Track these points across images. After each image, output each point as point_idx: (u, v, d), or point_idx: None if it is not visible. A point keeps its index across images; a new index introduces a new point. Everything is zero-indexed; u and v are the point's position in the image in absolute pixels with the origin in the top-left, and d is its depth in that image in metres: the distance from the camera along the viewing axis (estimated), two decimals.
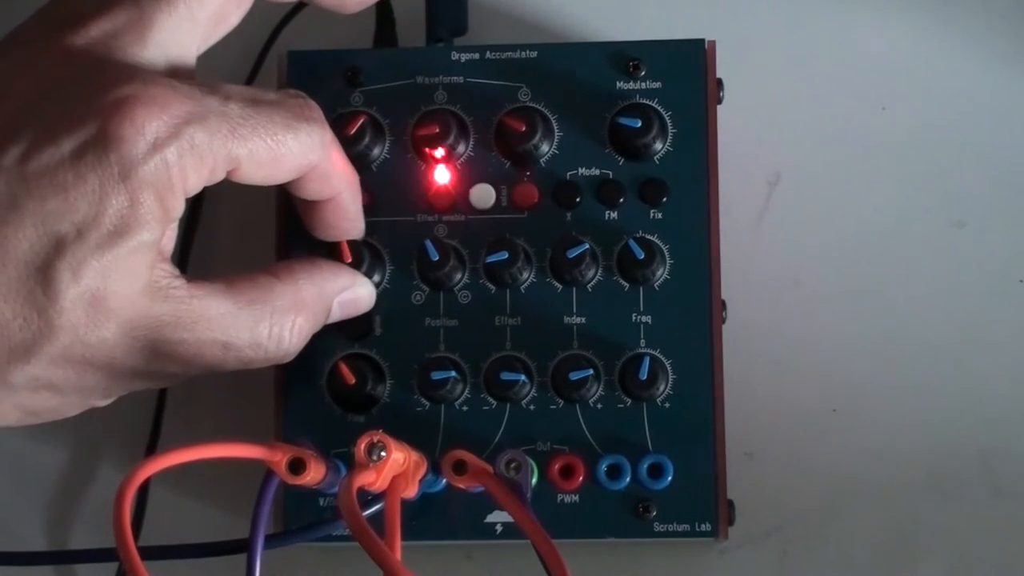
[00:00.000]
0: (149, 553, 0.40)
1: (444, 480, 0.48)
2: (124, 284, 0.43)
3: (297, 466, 0.44)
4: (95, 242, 0.42)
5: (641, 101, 0.52)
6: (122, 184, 0.42)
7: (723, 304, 0.51)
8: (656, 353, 0.50)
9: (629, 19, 0.55)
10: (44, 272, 0.42)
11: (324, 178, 0.48)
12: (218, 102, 0.44)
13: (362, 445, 0.43)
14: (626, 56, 0.52)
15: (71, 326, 0.42)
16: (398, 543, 0.42)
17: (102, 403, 0.46)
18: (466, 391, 0.51)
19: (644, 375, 0.50)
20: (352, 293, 0.50)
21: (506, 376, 0.50)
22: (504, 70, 0.52)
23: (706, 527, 0.50)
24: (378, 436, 0.43)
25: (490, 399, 0.51)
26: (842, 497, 0.52)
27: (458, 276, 0.51)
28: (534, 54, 0.52)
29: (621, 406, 0.50)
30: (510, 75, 0.52)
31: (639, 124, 0.51)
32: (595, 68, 0.52)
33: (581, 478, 0.50)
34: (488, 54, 0.52)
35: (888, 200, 0.55)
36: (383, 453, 0.43)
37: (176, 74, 0.45)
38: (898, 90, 0.55)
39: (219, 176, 0.44)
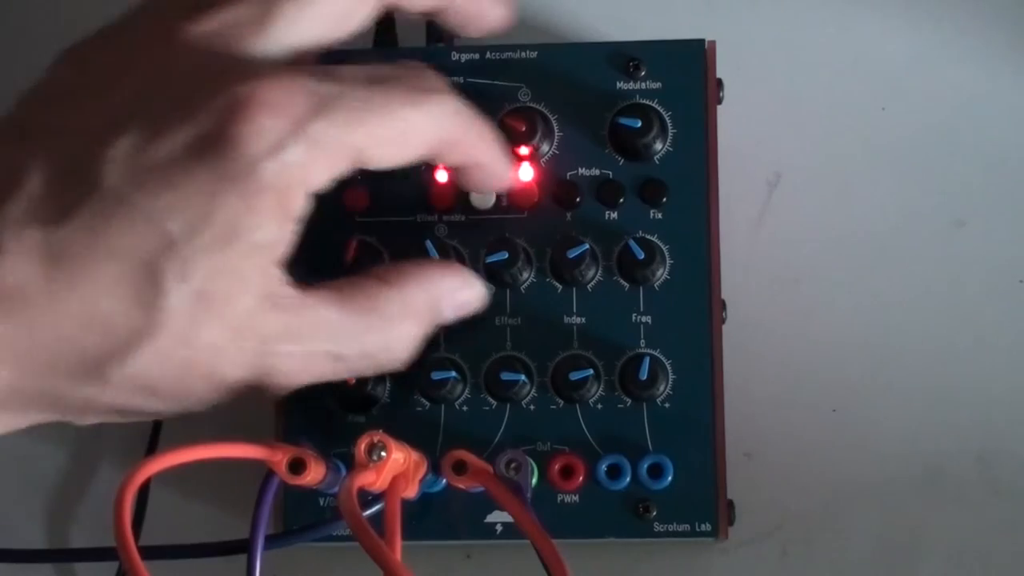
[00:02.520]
0: (149, 553, 0.40)
1: (444, 480, 0.48)
2: (233, 288, 0.42)
3: (297, 466, 0.44)
4: (206, 242, 0.41)
5: (641, 101, 0.52)
6: (238, 185, 0.41)
7: (723, 304, 0.51)
8: (656, 353, 0.50)
9: (629, 19, 0.55)
10: (151, 268, 0.41)
11: (458, 145, 0.46)
12: (336, 88, 0.42)
13: (362, 445, 0.43)
14: (626, 56, 0.52)
15: (175, 326, 0.41)
16: (398, 543, 0.42)
17: (198, 409, 0.44)
18: (466, 391, 0.51)
19: (644, 375, 0.50)
20: (463, 295, 0.49)
21: (506, 376, 0.50)
22: (504, 70, 0.52)
23: (706, 527, 0.50)
24: (378, 436, 0.43)
25: (490, 399, 0.51)
26: (842, 497, 0.52)
27: None
28: (534, 54, 0.52)
29: (621, 406, 0.50)
30: (510, 75, 0.52)
31: (639, 124, 0.51)
32: (595, 68, 0.52)
33: (581, 478, 0.50)
34: (488, 54, 0.52)
35: (888, 200, 0.55)
36: (383, 453, 0.43)
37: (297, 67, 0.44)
38: (898, 90, 0.55)
39: (344, 167, 0.43)
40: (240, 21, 0.43)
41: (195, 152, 0.41)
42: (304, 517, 0.50)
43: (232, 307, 0.42)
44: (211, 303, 0.42)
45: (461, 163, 0.47)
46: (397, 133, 0.44)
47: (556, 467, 0.50)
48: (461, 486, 0.46)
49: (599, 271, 0.51)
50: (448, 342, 0.51)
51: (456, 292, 0.48)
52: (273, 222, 0.42)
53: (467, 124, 0.46)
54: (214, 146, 0.41)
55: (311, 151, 0.42)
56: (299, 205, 0.42)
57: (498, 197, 0.51)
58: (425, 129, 0.44)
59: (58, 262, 0.41)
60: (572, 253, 0.50)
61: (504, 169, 0.49)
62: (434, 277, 0.47)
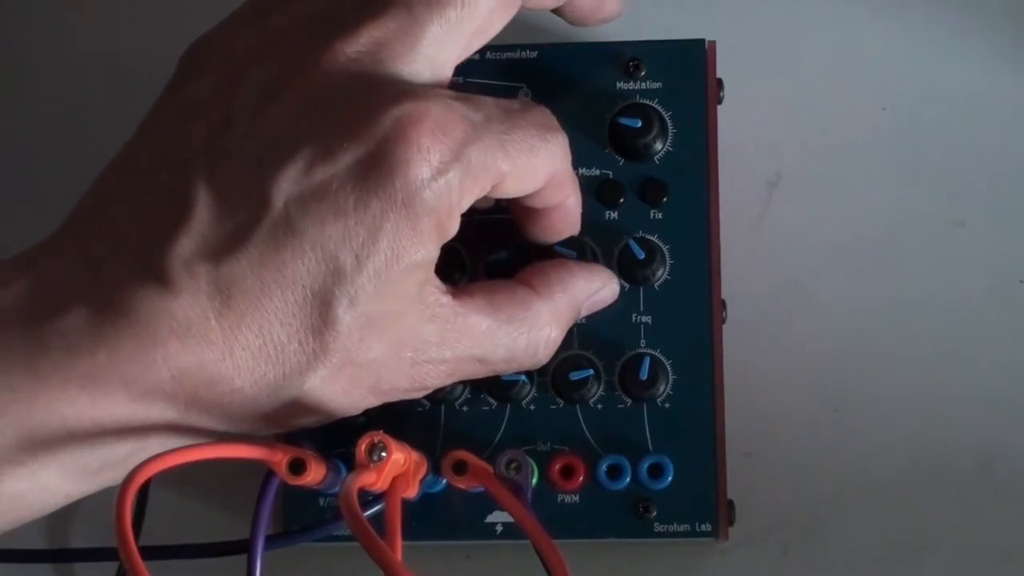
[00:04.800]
0: (149, 553, 0.40)
1: (444, 480, 0.48)
2: (396, 305, 0.43)
3: (297, 466, 0.44)
4: (373, 270, 0.42)
5: (641, 101, 0.52)
6: (405, 210, 0.42)
7: (723, 304, 0.51)
8: (656, 353, 0.50)
9: (629, 19, 0.54)
10: (322, 298, 0.42)
11: (561, 185, 0.47)
12: (483, 118, 0.44)
13: (362, 445, 0.43)
14: (626, 56, 0.52)
15: (344, 348, 0.43)
16: (398, 543, 0.42)
17: (352, 415, 0.46)
18: (466, 391, 0.51)
19: (644, 375, 0.50)
20: (602, 296, 0.50)
21: (506, 376, 0.50)
22: (504, 70, 0.52)
23: (706, 527, 0.50)
24: (378, 436, 0.43)
25: (490, 399, 0.51)
26: (842, 497, 0.52)
27: (458, 276, 0.51)
28: (534, 54, 0.52)
29: (621, 406, 0.50)
30: (510, 75, 0.52)
31: (639, 124, 0.51)
32: (595, 68, 0.52)
33: (581, 478, 0.50)
34: (488, 54, 0.52)
35: (888, 200, 0.55)
36: (383, 453, 0.43)
37: (438, 86, 0.45)
38: (898, 90, 0.55)
39: (486, 192, 0.44)
40: (389, 37, 0.44)
41: (361, 176, 0.42)
42: (304, 517, 0.50)
43: (394, 323, 0.43)
44: (376, 322, 0.43)
45: (555, 202, 0.48)
46: (530, 167, 0.45)
47: (556, 467, 0.50)
48: (461, 486, 0.46)
49: None
50: None
51: (598, 295, 0.49)
52: (432, 243, 0.43)
53: (570, 166, 0.47)
54: (380, 169, 0.42)
55: (467, 175, 0.43)
56: (454, 226, 0.44)
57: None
58: (548, 163, 0.45)
59: (229, 297, 0.42)
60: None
61: (579, 213, 0.50)
62: (580, 283, 0.48)
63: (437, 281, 0.45)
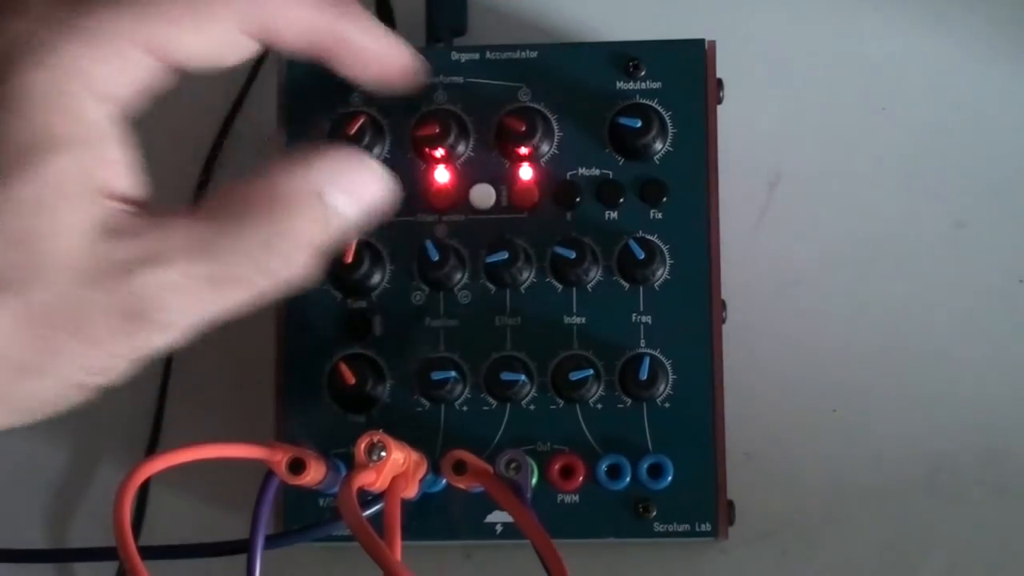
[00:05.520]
0: (149, 553, 0.40)
1: (444, 480, 0.48)
2: (54, 224, 0.35)
3: (297, 466, 0.44)
4: None
5: (641, 101, 0.52)
6: (5, 102, 0.35)
7: (723, 304, 0.51)
8: (656, 353, 0.51)
9: (629, 19, 0.55)
10: None
11: (290, 18, 0.40)
12: None
13: (362, 445, 0.43)
14: (626, 56, 0.52)
15: (5, 281, 0.35)
16: (398, 543, 0.42)
17: (97, 380, 0.38)
18: (466, 391, 0.51)
19: (644, 375, 0.50)
20: (358, 179, 0.40)
21: (506, 376, 0.50)
22: (504, 70, 0.52)
23: (706, 527, 0.50)
24: (378, 436, 0.43)
25: (490, 399, 0.51)
26: (842, 497, 0.53)
27: (458, 276, 0.51)
28: (534, 54, 0.52)
29: (621, 406, 0.50)
30: (510, 75, 0.52)
31: (639, 124, 0.51)
32: (595, 68, 0.52)
33: (581, 478, 0.50)
34: (488, 54, 0.52)
35: (888, 200, 0.55)
36: (383, 453, 0.43)
37: None
38: (898, 90, 0.55)
39: (145, 68, 0.37)
40: None
41: None
42: (304, 517, 0.50)
43: (64, 245, 0.36)
44: (35, 243, 0.35)
45: (308, 40, 0.40)
46: (192, 11, 0.38)
47: (556, 467, 0.50)
48: (461, 486, 0.46)
49: (599, 271, 0.51)
50: (448, 342, 0.51)
51: (348, 176, 0.40)
52: (69, 136, 0.36)
53: None
54: None
55: (84, 51, 0.36)
56: (95, 115, 0.36)
57: (498, 197, 0.51)
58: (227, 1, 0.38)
59: None
60: (560, 251, 0.50)
61: (383, 44, 0.42)
62: (315, 162, 0.39)
63: (119, 201, 0.37)
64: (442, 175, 0.52)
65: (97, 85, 0.36)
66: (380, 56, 0.42)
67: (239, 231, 0.37)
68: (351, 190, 0.40)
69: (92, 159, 0.36)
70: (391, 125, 0.52)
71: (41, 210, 0.35)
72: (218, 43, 0.38)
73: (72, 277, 0.36)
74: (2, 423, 0.37)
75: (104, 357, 0.37)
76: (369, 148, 0.51)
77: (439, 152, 0.51)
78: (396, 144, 0.52)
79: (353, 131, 0.51)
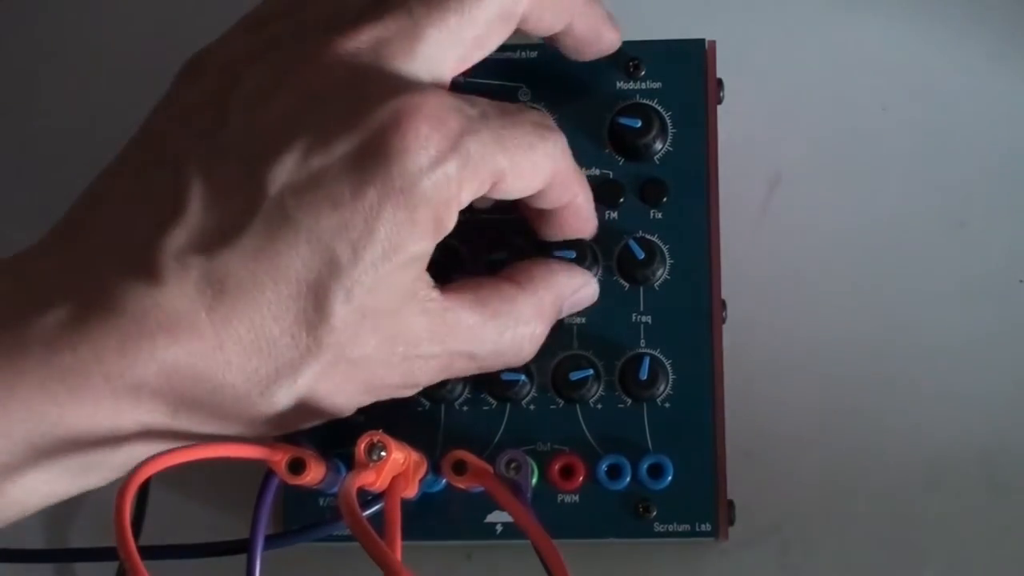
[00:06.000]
0: (149, 553, 0.40)
1: (444, 480, 0.48)
2: (391, 300, 0.43)
3: (297, 466, 0.44)
4: (370, 261, 0.41)
5: (641, 101, 0.52)
6: (402, 199, 0.41)
7: (723, 304, 0.51)
8: (656, 353, 0.50)
9: (629, 19, 0.54)
10: (316, 291, 0.41)
11: (566, 184, 0.47)
12: (479, 114, 0.43)
13: (362, 445, 0.43)
14: (626, 56, 0.52)
15: (338, 344, 0.42)
16: (398, 543, 0.42)
17: (346, 415, 0.46)
18: (466, 391, 0.51)
19: (644, 375, 0.50)
20: (583, 294, 0.50)
21: (506, 376, 0.50)
22: (504, 70, 0.52)
23: (706, 527, 0.50)
24: (378, 436, 0.43)
25: (490, 399, 0.51)
26: (842, 497, 0.52)
27: (458, 277, 0.51)
28: (534, 54, 0.52)
29: (621, 406, 0.50)
30: (510, 75, 0.52)
31: (639, 124, 0.51)
32: (595, 68, 0.52)
33: (581, 478, 0.50)
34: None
35: (888, 200, 0.55)
36: (383, 453, 0.43)
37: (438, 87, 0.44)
38: (898, 90, 0.55)
39: (485, 189, 0.44)
40: (390, 38, 0.43)
41: (357, 165, 0.41)
42: (304, 517, 0.50)
43: (390, 319, 0.43)
44: (372, 317, 0.42)
45: (563, 202, 0.48)
46: (530, 164, 0.45)
47: (556, 467, 0.50)
48: (461, 486, 0.46)
49: (599, 271, 0.51)
50: None
51: (578, 292, 0.49)
52: (429, 236, 0.42)
53: (573, 163, 0.47)
54: (376, 157, 0.41)
55: (465, 167, 0.42)
56: (451, 220, 0.43)
57: None
58: (548, 160, 0.45)
59: (222, 290, 0.41)
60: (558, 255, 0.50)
61: (592, 211, 0.50)
62: (561, 279, 0.49)
63: (428, 276, 0.44)
64: None
65: (462, 197, 0.43)
66: (582, 227, 0.50)
67: (502, 327, 0.46)
68: (579, 302, 0.50)
69: (433, 246, 0.44)
70: None
71: (386, 291, 0.42)
72: (528, 190, 0.46)
73: (386, 344, 0.44)
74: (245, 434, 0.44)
75: (365, 402, 0.46)
76: None
77: None
78: None
79: None
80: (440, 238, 0.43)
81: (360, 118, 0.42)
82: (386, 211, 0.41)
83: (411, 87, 0.43)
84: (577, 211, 0.49)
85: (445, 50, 0.44)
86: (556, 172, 0.46)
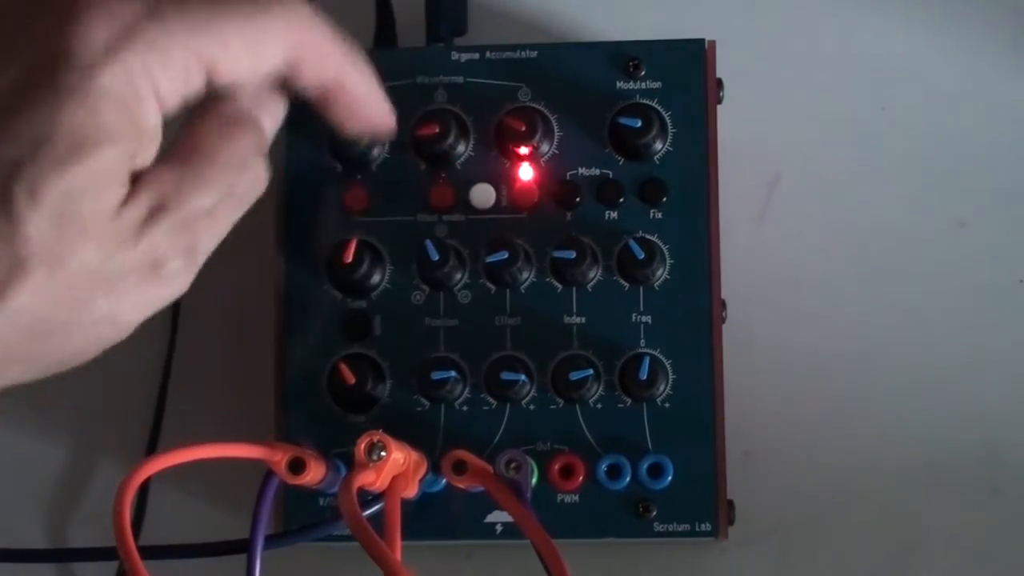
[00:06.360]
0: (149, 553, 0.40)
1: (444, 480, 0.48)
2: (96, 204, 0.39)
3: (297, 466, 0.44)
4: (52, 159, 0.38)
5: (641, 101, 0.52)
6: (76, 94, 0.38)
7: (723, 304, 0.51)
8: (656, 353, 0.50)
9: (629, 19, 0.55)
10: (1, 198, 0.38)
11: (321, 57, 0.43)
12: None
13: (362, 445, 0.43)
14: (626, 56, 0.52)
15: (43, 252, 0.39)
16: (398, 543, 0.42)
17: (114, 341, 0.42)
18: (466, 391, 0.51)
19: (644, 375, 0.50)
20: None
21: (506, 376, 0.50)
22: (504, 70, 0.52)
23: (706, 527, 0.50)
24: (378, 436, 0.43)
25: (490, 399, 0.51)
26: (842, 497, 0.53)
27: (458, 276, 0.51)
28: (534, 54, 0.52)
29: (621, 406, 0.50)
30: (510, 75, 0.52)
31: (639, 124, 0.51)
32: (595, 68, 0.52)
33: (581, 478, 0.50)
34: (488, 54, 0.52)
35: (888, 200, 0.55)
36: (383, 453, 0.43)
37: None
38: (898, 90, 0.55)
39: (197, 80, 0.40)
40: None
41: (29, 76, 0.39)
42: (304, 517, 0.50)
43: (99, 224, 0.39)
44: (74, 222, 0.39)
45: (322, 81, 0.44)
46: (247, 38, 0.41)
47: (556, 467, 0.50)
48: (461, 486, 0.46)
49: (599, 271, 0.51)
50: (448, 342, 0.51)
51: (264, 93, 0.44)
52: (123, 134, 0.39)
53: (325, 35, 0.43)
54: (47, 62, 0.39)
55: (151, 57, 0.39)
56: (150, 116, 0.40)
57: (498, 197, 0.51)
58: (278, 34, 0.42)
59: None
60: (558, 254, 0.50)
61: (377, 100, 0.46)
62: (236, 93, 0.43)
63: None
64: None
65: (160, 90, 0.40)
66: (371, 111, 0.46)
67: (203, 164, 0.42)
68: (269, 107, 0.44)
69: (137, 152, 0.40)
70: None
71: (86, 193, 0.39)
72: (259, 69, 0.42)
73: (107, 245, 0.40)
74: (25, 378, 0.41)
75: (129, 310, 0.41)
76: (369, 148, 0.51)
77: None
78: (396, 144, 0.52)
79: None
80: (141, 137, 0.40)
81: (29, 28, 0.39)
82: (62, 110, 0.38)
83: None
84: (352, 94, 0.44)
85: None
86: (299, 43, 0.42)
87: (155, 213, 0.41)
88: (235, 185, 0.42)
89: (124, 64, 0.39)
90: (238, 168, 0.42)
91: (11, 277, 0.39)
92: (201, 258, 0.42)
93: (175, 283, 0.42)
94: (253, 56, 0.42)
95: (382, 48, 0.54)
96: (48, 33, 0.39)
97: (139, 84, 0.39)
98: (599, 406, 0.50)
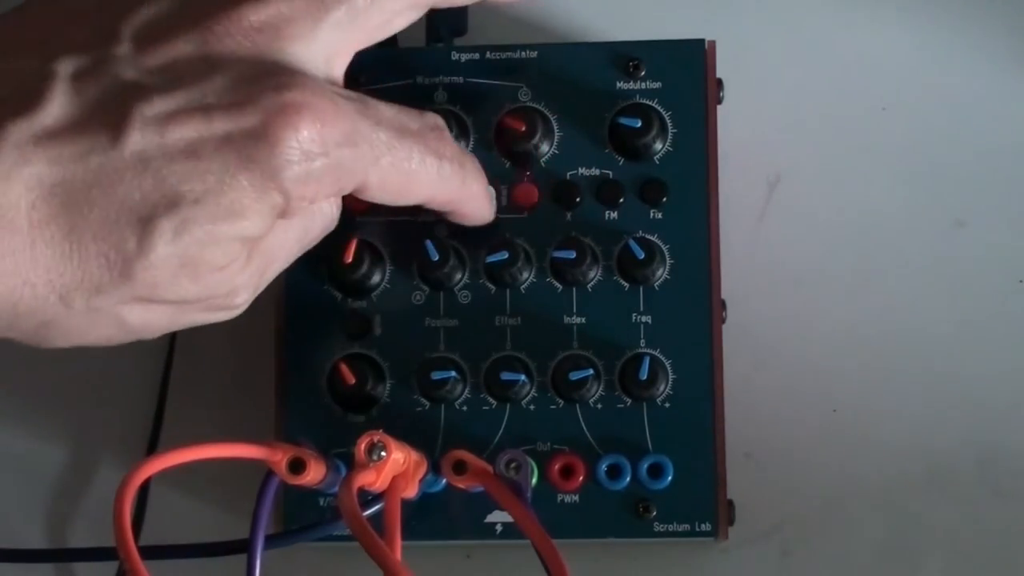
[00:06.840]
0: (149, 553, 0.40)
1: (444, 480, 0.48)
2: (214, 258, 0.42)
3: (297, 466, 0.44)
4: (210, 213, 0.41)
5: (641, 101, 0.52)
6: (261, 178, 0.42)
7: (723, 304, 0.51)
8: (656, 353, 0.50)
9: (629, 19, 0.55)
10: (145, 225, 0.41)
11: (447, 205, 0.48)
12: (370, 127, 0.44)
13: (362, 445, 0.43)
14: (626, 56, 0.52)
15: (151, 282, 0.42)
16: (398, 543, 0.42)
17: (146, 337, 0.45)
18: (466, 391, 0.51)
19: (644, 375, 0.50)
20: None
21: (506, 376, 0.50)
22: (504, 70, 0.52)
23: (706, 527, 0.50)
24: (378, 436, 0.43)
25: (490, 399, 0.51)
26: (842, 497, 0.53)
27: (458, 276, 0.51)
28: (534, 54, 0.52)
29: (621, 406, 0.50)
30: (510, 75, 0.52)
31: (639, 124, 0.51)
32: (595, 68, 0.52)
33: (581, 478, 0.50)
34: (488, 54, 0.52)
35: (888, 200, 0.55)
36: (383, 453, 0.43)
37: (332, 73, 0.45)
38: (898, 90, 0.55)
39: (346, 193, 0.45)
40: (295, 15, 0.44)
41: (233, 139, 0.42)
42: (304, 517, 0.50)
43: (212, 274, 0.43)
44: (193, 269, 0.42)
45: (446, 210, 0.49)
46: (402, 183, 0.45)
47: (556, 467, 0.50)
48: (461, 486, 0.46)
49: (599, 271, 0.51)
50: (448, 342, 0.51)
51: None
52: (268, 218, 0.43)
53: (460, 188, 0.48)
54: (252, 138, 0.42)
55: (330, 172, 0.43)
56: (295, 213, 0.44)
57: (498, 197, 0.51)
58: (425, 188, 0.46)
59: (52, 193, 0.41)
60: (558, 254, 0.50)
61: (485, 214, 0.50)
62: None
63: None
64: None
65: (317, 197, 0.44)
66: (478, 220, 0.51)
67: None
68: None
69: (269, 230, 0.44)
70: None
71: (215, 249, 0.43)
72: (395, 204, 0.47)
73: (205, 289, 0.43)
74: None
75: (182, 325, 0.45)
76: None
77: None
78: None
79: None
80: (274, 226, 0.44)
81: (250, 99, 0.42)
82: (242, 181, 0.42)
83: (308, 82, 0.43)
84: (462, 215, 0.50)
85: (347, 33, 0.45)
86: (435, 196, 0.47)
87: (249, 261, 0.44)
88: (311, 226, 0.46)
89: (309, 171, 0.42)
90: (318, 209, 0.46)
91: (113, 283, 0.41)
92: (262, 288, 0.46)
93: (237, 311, 0.46)
94: (397, 196, 0.46)
95: (382, 48, 0.54)
96: (270, 113, 0.42)
97: (309, 189, 0.43)
98: (599, 406, 0.50)
